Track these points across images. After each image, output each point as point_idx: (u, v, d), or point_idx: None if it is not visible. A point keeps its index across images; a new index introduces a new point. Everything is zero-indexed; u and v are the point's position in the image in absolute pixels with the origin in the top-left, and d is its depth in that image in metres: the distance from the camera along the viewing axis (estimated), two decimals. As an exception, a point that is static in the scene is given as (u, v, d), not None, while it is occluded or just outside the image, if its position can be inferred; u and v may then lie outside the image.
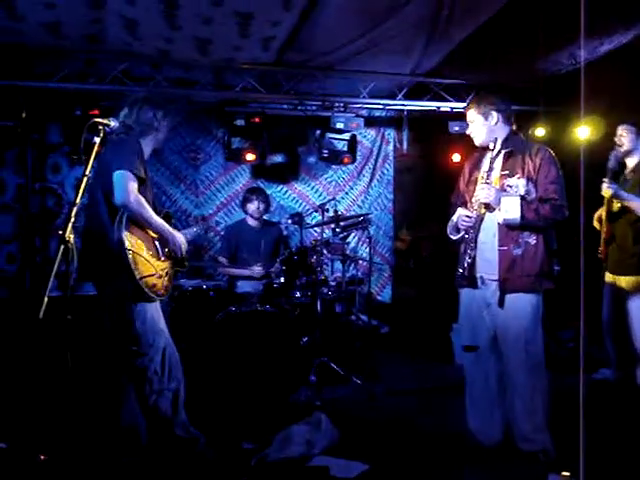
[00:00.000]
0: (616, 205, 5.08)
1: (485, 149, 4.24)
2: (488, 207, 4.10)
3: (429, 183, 8.44)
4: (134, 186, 3.65)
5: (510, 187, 4.06)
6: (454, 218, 4.30)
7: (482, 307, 4.19)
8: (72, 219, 2.88)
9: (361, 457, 4.10)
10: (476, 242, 4.14)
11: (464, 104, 7.39)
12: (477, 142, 4.31)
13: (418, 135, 8.41)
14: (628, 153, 5.25)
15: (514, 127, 4.29)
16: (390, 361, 6.65)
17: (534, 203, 3.99)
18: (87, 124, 3.21)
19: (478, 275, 4.16)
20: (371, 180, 8.43)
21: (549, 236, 4.12)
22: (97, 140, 3.15)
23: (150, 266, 3.78)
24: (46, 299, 2.65)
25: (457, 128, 7.48)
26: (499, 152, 4.19)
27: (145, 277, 3.71)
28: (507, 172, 4.11)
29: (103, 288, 3.86)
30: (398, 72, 7.06)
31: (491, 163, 4.15)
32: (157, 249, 3.91)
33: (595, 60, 6.19)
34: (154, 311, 3.89)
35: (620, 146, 5.23)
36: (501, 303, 4.07)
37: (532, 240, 4.03)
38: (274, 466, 3.96)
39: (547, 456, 4.01)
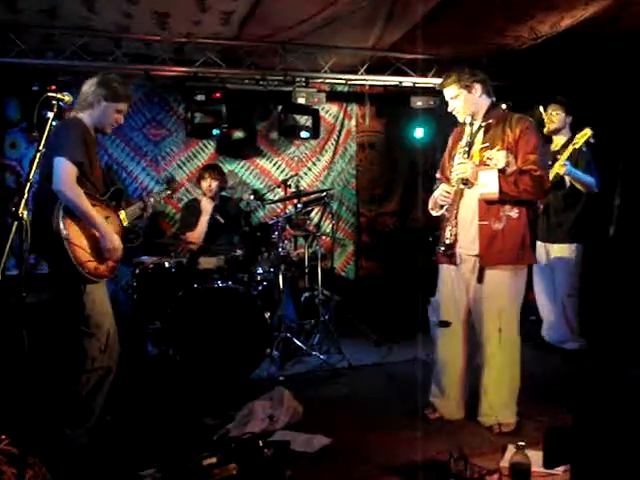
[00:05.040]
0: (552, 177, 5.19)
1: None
2: (466, 182, 4.07)
3: (391, 158, 8.46)
4: (72, 175, 3.64)
5: (490, 160, 4.03)
6: (435, 194, 4.27)
7: (460, 283, 4.19)
8: (25, 195, 2.84)
9: (323, 431, 4.12)
10: (456, 218, 4.11)
11: (426, 79, 7.40)
12: (461, 117, 4.22)
13: (380, 110, 8.40)
14: (557, 131, 5.55)
15: (494, 98, 4.25)
16: (353, 337, 6.66)
17: (513, 176, 3.95)
18: (41, 99, 3.16)
19: (458, 251, 4.15)
20: (334, 156, 8.37)
21: (530, 209, 4.15)
22: (51, 115, 3.10)
23: (89, 253, 3.75)
24: (-1, 277, 2.62)
25: (419, 103, 7.49)
26: (479, 125, 4.16)
27: (84, 262, 3.71)
28: (487, 145, 4.08)
29: (52, 266, 3.87)
30: (360, 46, 7.03)
31: (471, 137, 4.12)
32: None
33: (555, 35, 6.23)
34: (102, 293, 3.91)
35: (551, 124, 5.54)
36: (480, 279, 4.07)
37: (514, 214, 4.02)
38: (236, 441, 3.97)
39: (507, 428, 4.07)
